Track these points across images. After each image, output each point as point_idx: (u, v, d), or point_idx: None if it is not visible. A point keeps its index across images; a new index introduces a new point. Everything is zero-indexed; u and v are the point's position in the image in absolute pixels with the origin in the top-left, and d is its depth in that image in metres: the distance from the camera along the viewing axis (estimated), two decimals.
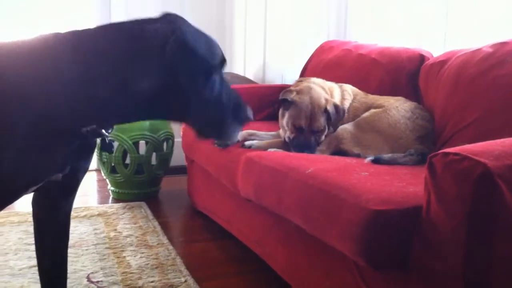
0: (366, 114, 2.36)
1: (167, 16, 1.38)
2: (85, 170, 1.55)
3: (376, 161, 2.03)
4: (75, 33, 1.35)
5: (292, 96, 2.39)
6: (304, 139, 2.37)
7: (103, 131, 1.38)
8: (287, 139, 2.42)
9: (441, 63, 2.27)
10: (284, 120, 2.43)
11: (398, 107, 2.30)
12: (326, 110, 2.37)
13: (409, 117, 2.25)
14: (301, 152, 2.29)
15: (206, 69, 1.36)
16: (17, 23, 3.84)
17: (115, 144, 3.31)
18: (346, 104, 2.48)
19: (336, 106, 2.38)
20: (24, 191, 1.39)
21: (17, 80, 1.28)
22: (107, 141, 1.43)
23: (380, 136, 2.24)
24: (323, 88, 2.46)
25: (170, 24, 1.34)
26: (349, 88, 2.55)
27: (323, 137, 2.39)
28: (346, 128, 2.31)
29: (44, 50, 1.32)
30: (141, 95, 1.31)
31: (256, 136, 2.60)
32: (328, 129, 2.40)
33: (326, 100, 2.38)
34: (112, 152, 1.60)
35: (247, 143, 2.46)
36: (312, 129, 2.37)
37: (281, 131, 2.51)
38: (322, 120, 2.38)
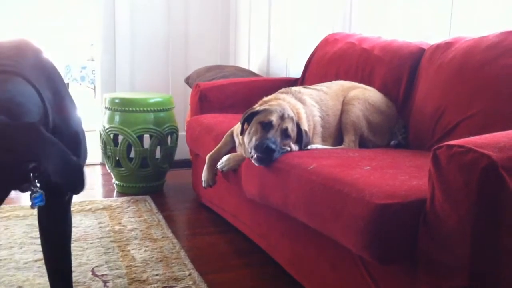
0: (358, 94, 2.36)
1: None
2: None
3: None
4: None
5: (259, 107, 2.14)
6: (272, 137, 1.97)
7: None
8: (249, 149, 2.04)
9: (448, 44, 2.24)
10: (247, 130, 2.09)
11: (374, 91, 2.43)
12: (298, 125, 2.08)
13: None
14: (264, 160, 1.94)
15: None
16: (18, 22, 3.85)
17: (120, 138, 3.32)
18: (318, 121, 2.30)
19: (305, 131, 2.12)
20: None
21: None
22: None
23: (385, 119, 2.35)
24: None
25: None
26: (311, 102, 2.32)
27: (288, 148, 2.03)
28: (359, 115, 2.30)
29: None
30: None
31: None
32: (300, 147, 2.08)
33: (299, 118, 2.15)
34: (35, 207, 1.49)
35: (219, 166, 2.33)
36: (282, 127, 2.02)
37: (241, 150, 2.26)
38: (293, 127, 2.05)
